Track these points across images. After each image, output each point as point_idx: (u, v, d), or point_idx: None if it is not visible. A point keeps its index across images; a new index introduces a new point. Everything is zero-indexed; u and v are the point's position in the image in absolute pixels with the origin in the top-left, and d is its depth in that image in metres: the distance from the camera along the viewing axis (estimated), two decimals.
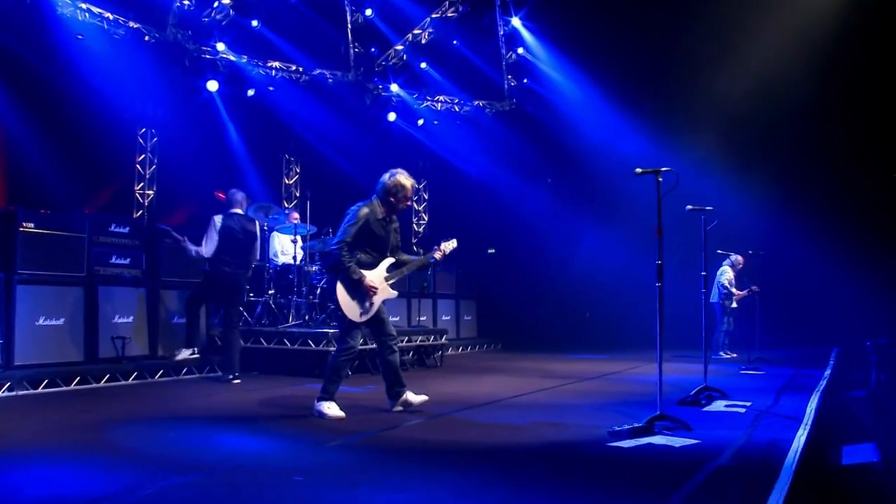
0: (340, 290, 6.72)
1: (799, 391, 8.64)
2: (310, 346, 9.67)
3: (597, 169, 16.29)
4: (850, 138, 16.47)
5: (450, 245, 7.27)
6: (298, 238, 10.84)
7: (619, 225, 16.09)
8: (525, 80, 17.30)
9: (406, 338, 10.84)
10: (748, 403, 7.56)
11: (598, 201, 16.66)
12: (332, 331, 9.70)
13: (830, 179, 16.63)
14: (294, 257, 10.72)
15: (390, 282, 6.98)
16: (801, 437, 5.81)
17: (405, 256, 7.14)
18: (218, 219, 8.99)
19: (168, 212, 12.90)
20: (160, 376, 9.19)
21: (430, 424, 6.45)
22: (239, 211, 9.17)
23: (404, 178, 6.90)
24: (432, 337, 11.63)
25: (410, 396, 7.02)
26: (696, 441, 5.59)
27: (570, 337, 16.66)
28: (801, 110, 14.82)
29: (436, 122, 17.33)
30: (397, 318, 13.89)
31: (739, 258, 13.46)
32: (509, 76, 17.39)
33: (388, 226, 6.93)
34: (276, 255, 11.57)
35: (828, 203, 16.32)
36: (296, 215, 11.26)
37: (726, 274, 13.54)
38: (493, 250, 18.28)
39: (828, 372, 10.68)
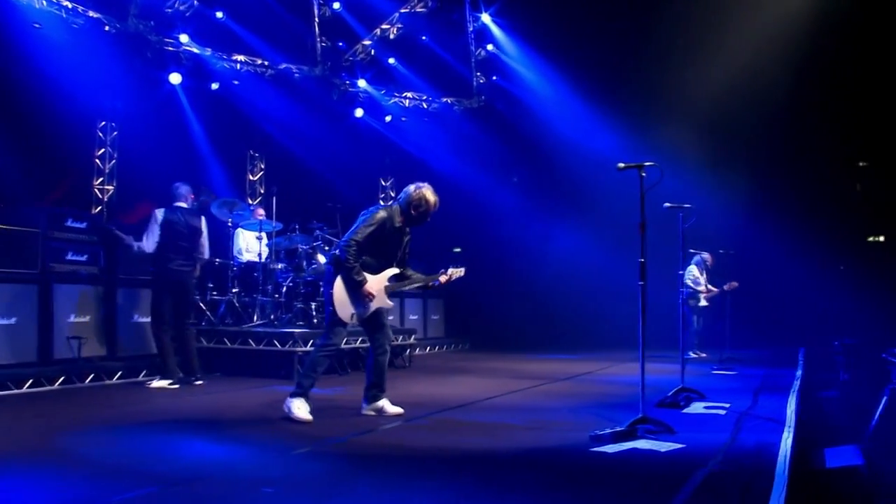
0: (338, 286, 6.43)
1: (775, 392, 8.50)
2: (275, 346, 9.29)
3: (569, 166, 16.09)
4: (824, 137, 16.51)
5: (457, 272, 6.94)
6: (263, 235, 10.46)
7: (590, 223, 15.94)
8: (494, 78, 17.05)
9: (361, 337, 10.49)
10: (727, 405, 7.37)
11: (570, 199, 16.47)
12: (298, 331, 9.35)
13: (801, 178, 16.64)
14: (259, 255, 10.33)
15: (389, 292, 6.68)
16: (787, 440, 5.61)
17: (410, 271, 6.85)
18: (160, 212, 8.50)
19: (129, 208, 12.40)
20: (119, 378, 8.75)
21: (405, 429, 6.14)
22: (183, 205, 8.68)
23: (430, 194, 6.62)
24: (400, 337, 11.31)
25: (387, 405, 6.71)
26: (681, 445, 5.36)
27: (540, 337, 16.44)
28: (774, 108, 14.76)
29: (404, 119, 17.02)
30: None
31: (708, 256, 13.32)
32: (478, 73, 17.13)
33: (401, 236, 6.66)
34: (240, 253, 11.17)
35: (797, 202, 16.34)
36: (261, 211, 10.90)
37: (692, 272, 13.41)
38: (459, 249, 18.00)
39: (799, 372, 10.57)
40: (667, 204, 8.19)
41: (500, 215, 17.20)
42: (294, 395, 6.41)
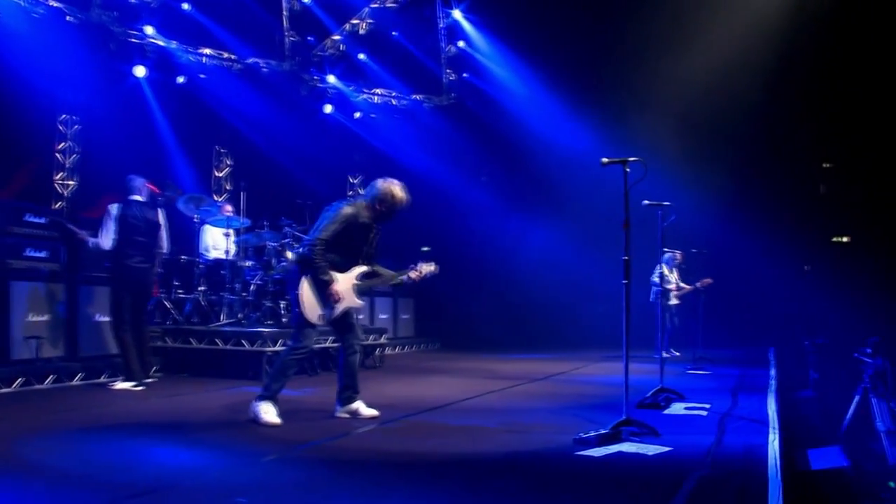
0: (305, 287, 6.16)
1: (752, 392, 8.42)
2: (243, 346, 8.99)
3: (541, 163, 15.96)
4: (790, 138, 16.58)
5: (429, 268, 6.71)
6: (231, 232, 10.15)
7: (563, 220, 15.81)
8: (465, 75, 16.86)
9: (331, 337, 10.23)
10: (707, 406, 7.24)
11: (542, 196, 16.33)
12: (267, 330, 9.06)
13: (769, 178, 16.69)
14: (227, 252, 10.01)
15: (358, 291, 6.43)
16: (773, 442, 5.47)
17: (379, 268, 6.60)
18: (114, 208, 8.12)
19: (91, 203, 11.95)
20: (79, 379, 8.38)
21: (382, 432, 5.90)
22: (139, 198, 8.30)
23: (398, 190, 6.35)
24: (371, 336, 11.06)
25: (362, 407, 6.46)
26: (668, 448, 5.18)
27: (511, 336, 16.29)
28: (745, 107, 14.74)
29: (373, 116, 16.76)
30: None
31: (678, 254, 13.19)
32: (448, 70, 16.92)
33: (368, 232, 6.39)
34: (207, 250, 10.82)
35: (767, 202, 16.37)
36: (229, 208, 10.58)
37: (659, 270, 13.28)
38: (428, 248, 17.75)
39: (773, 372, 10.50)
40: (646, 201, 8.03)
41: (471, 213, 17.01)
42: (261, 398, 6.14)
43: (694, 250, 12.36)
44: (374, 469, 4.70)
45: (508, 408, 7.19)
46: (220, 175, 15.48)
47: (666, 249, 11.86)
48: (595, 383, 9.29)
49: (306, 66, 15.35)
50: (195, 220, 10.20)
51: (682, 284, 13.32)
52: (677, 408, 7.15)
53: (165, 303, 9.99)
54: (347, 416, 6.40)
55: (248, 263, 10.15)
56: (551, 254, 16.01)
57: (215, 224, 10.44)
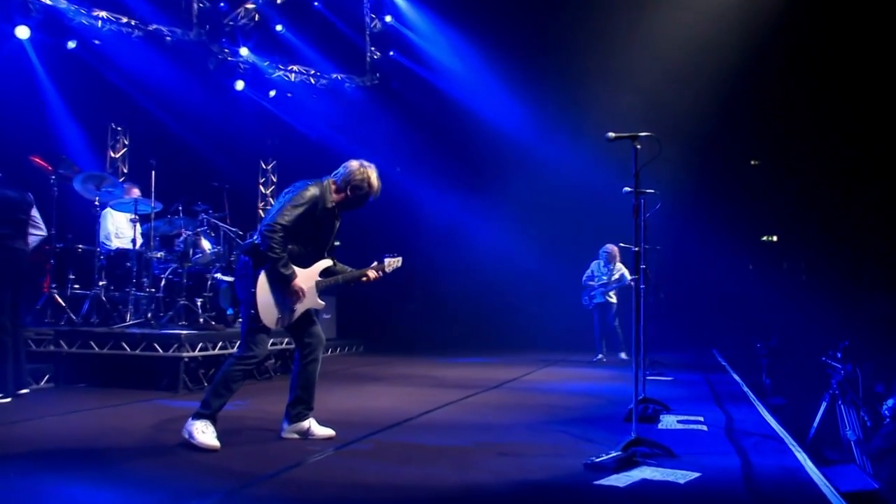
0: (261, 284, 5.26)
1: (733, 400, 7.95)
2: (157, 351, 7.88)
3: (478, 151, 15.24)
4: (721, 134, 16.44)
5: (394, 262, 5.86)
6: (138, 218, 8.99)
7: (498, 213, 15.15)
8: (391, 53, 15.97)
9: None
10: (700, 418, 6.66)
11: (478, 187, 15.60)
12: (185, 332, 7.98)
13: (705, 176, 16.54)
14: (133, 241, 8.85)
15: (321, 288, 5.54)
16: (807, 462, 4.89)
17: (339, 264, 5.72)
18: None
19: None
20: None
21: (344, 457, 5.02)
22: None
23: (375, 177, 5.53)
24: (286, 339, 9.85)
25: (314, 426, 5.56)
26: (696, 474, 4.52)
27: (440, 338, 15.57)
28: (689, 100, 14.46)
29: (289, 95, 15.65)
30: None
31: (612, 248, 12.57)
32: (373, 48, 15.99)
33: (333, 220, 5.52)
34: (108, 238, 9.59)
35: (705, 199, 16.21)
36: (135, 190, 9.41)
37: (589, 268, 12.77)
38: (338, 242, 16.81)
39: (737, 377, 10.10)
40: (626, 188, 7.39)
41: (397, 204, 16.13)
42: (198, 416, 5.19)
43: (647, 247, 11.72)
44: None
45: (479, 424, 6.39)
46: (116, 156, 14.09)
47: (623, 244, 11.32)
48: (557, 392, 8.61)
49: (217, 35, 14.11)
50: (95, 203, 8.97)
51: (610, 281, 12.63)
52: (669, 421, 6.53)
53: (58, 300, 8.74)
54: (297, 436, 5.50)
55: (159, 254, 9.03)
56: (483, 250, 15.34)
57: (119, 208, 9.25)
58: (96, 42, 12.47)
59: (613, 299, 12.76)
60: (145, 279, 8.88)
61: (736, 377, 10.07)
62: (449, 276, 16.03)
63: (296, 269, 5.31)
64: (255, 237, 5.41)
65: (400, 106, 15.83)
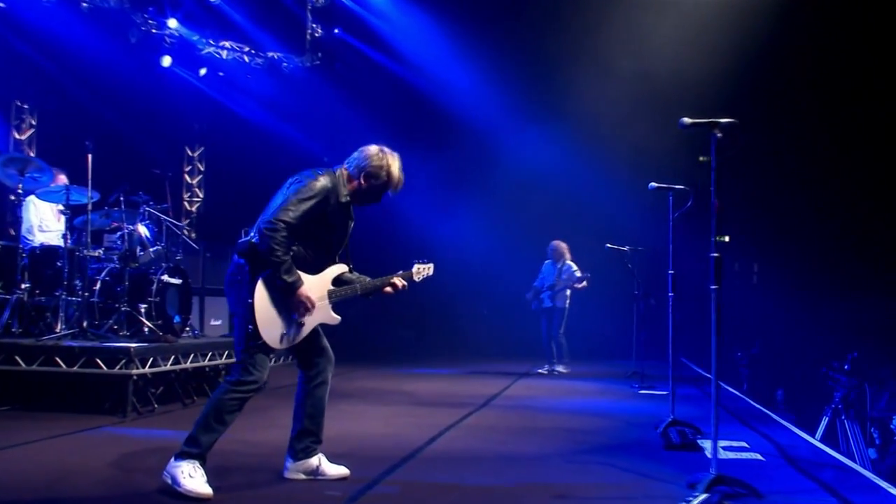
0: (260, 293, 4.41)
1: (757, 420, 7.55)
2: (100, 367, 6.88)
3: (438, 137, 14.54)
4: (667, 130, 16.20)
5: (424, 270, 5.11)
6: (68, 209, 7.92)
7: (456, 207, 14.50)
8: (336, 31, 15.10)
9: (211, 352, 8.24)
10: (745, 444, 6.16)
11: (433, 177, 14.89)
12: (135, 345, 7.01)
13: (660, 174, 16.29)
14: (65, 236, 7.78)
15: (335, 301, 4.72)
16: None
17: (355, 272, 4.91)
18: None
19: None
20: None
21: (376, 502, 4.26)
22: None
23: (396, 167, 4.73)
24: (209, 353, 8.66)
25: (325, 464, 4.77)
26: None
27: (383, 345, 14.85)
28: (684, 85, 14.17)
29: (221, 74, 14.62)
30: (219, 322, 11.25)
31: (558, 245, 11.95)
32: (315, 24, 15.08)
33: (347, 218, 4.73)
34: (30, 231, 8.43)
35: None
36: (63, 176, 8.33)
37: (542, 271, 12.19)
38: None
39: (735, 391, 9.74)
40: (653, 184, 6.87)
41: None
42: (184, 456, 4.36)
43: (628, 247, 11.14)
44: None
45: (505, 454, 5.69)
46: (22, 138, 12.80)
47: (609, 245, 10.76)
48: (557, 411, 8.05)
49: (142, 3, 13.01)
50: (19, 191, 7.86)
51: (559, 282, 11.88)
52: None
53: None
54: (304, 477, 4.70)
55: (98, 252, 8.00)
56: (446, 242, 14.63)
57: (46, 197, 8.16)
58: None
59: (567, 304, 11.94)
60: (78, 281, 7.83)
61: (734, 391, 9.70)
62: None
63: (302, 275, 4.52)
64: (251, 235, 4.58)
65: (348, 90, 14.99)
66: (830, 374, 9.77)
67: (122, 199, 8.10)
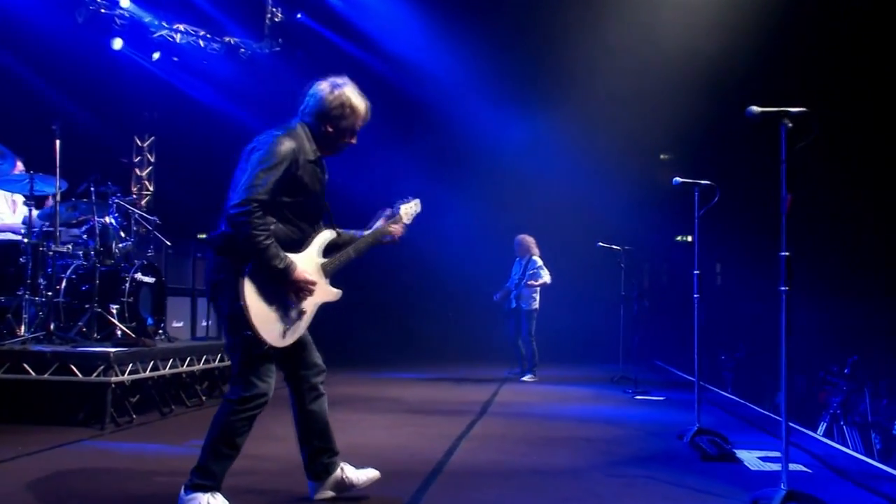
0: (250, 291, 3.89)
1: (773, 426, 7.32)
2: (74, 374, 6.36)
3: (411, 127, 14.18)
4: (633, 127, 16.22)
5: (412, 208, 4.67)
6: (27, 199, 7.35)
7: (436, 207, 14.19)
8: (299, 15, 14.61)
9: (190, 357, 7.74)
10: (777, 455, 5.90)
11: (413, 170, 14.55)
12: (114, 350, 6.50)
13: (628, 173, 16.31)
14: (29, 229, 7.21)
15: (331, 274, 4.26)
16: None
17: (343, 232, 4.38)
18: None
19: None
20: None
21: None
22: None
23: (356, 98, 4.15)
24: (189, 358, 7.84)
25: (349, 471, 4.36)
26: None
27: (353, 347, 14.46)
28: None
29: (175, 59, 14.02)
30: (181, 324, 10.57)
31: (523, 239, 11.42)
32: (275, 8, 14.55)
33: (320, 174, 4.18)
34: None
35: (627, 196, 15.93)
36: (20, 165, 7.76)
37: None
38: (204, 235, 15.33)
39: (733, 395, 9.63)
40: (678, 179, 6.63)
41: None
42: (197, 487, 3.90)
43: (616, 247, 10.91)
44: None
45: (538, 468, 5.34)
46: None
47: (602, 244, 10.53)
48: (564, 418, 7.81)
49: None
50: None
51: (530, 283, 11.22)
52: (749, 459, 5.76)
53: None
54: (333, 494, 4.31)
55: (66, 248, 7.45)
56: (418, 238, 14.33)
57: (6, 187, 7.57)
58: None
59: (533, 305, 11.28)
60: (42, 280, 7.26)
61: (731, 395, 9.59)
62: (366, 275, 14.94)
63: (290, 256, 4.01)
64: (222, 227, 4.00)
65: (314, 78, 14.50)
66: (829, 379, 9.72)
67: (92, 189, 7.55)
